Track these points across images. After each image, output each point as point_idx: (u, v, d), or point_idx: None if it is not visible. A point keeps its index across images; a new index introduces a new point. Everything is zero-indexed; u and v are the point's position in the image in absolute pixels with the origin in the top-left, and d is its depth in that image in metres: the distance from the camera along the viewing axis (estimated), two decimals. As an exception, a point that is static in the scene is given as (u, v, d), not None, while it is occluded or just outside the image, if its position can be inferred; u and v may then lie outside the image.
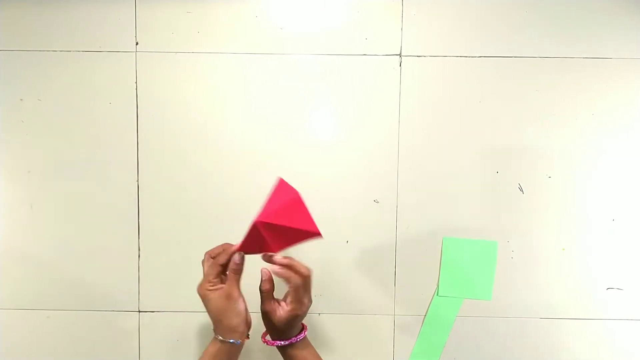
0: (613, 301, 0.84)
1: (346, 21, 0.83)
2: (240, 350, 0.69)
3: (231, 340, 0.66)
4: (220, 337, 0.66)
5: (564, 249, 0.84)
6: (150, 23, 0.83)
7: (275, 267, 0.67)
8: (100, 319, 0.85)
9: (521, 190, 0.84)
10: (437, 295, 0.84)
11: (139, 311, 0.85)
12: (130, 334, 0.85)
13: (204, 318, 0.82)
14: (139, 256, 0.84)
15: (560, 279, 0.84)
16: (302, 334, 0.70)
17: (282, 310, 0.68)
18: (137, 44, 0.83)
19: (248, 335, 0.69)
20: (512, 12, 0.83)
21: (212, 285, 0.67)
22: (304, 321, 0.72)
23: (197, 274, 0.84)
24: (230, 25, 0.83)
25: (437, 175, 0.84)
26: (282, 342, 0.69)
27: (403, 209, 0.84)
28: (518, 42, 0.83)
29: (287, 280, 0.67)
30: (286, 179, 0.84)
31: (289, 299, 0.67)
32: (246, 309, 0.68)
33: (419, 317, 0.85)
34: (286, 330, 0.69)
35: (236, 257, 0.67)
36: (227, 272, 0.67)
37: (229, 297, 0.66)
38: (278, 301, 0.69)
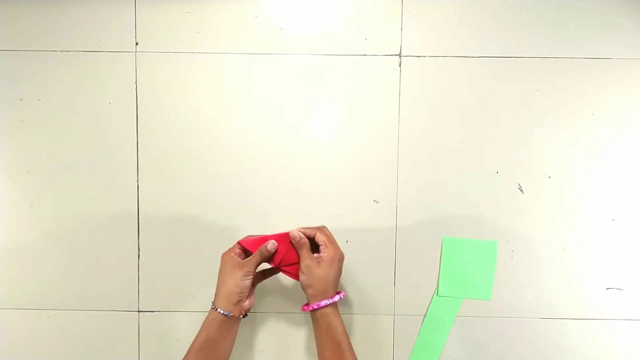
0: (613, 301, 0.84)
1: (346, 21, 0.83)
2: (235, 326, 0.73)
3: (223, 312, 0.70)
4: (214, 307, 0.71)
5: (564, 249, 0.84)
6: (150, 23, 0.83)
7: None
8: (100, 319, 0.85)
9: (521, 190, 0.84)
10: (437, 295, 0.84)
11: (139, 311, 0.85)
12: (130, 334, 0.85)
13: (204, 318, 0.82)
14: (139, 256, 0.84)
15: (560, 279, 0.84)
16: (338, 296, 0.72)
17: (318, 260, 0.72)
18: (137, 44, 0.83)
19: (245, 314, 0.73)
20: (512, 12, 0.83)
21: (236, 255, 0.72)
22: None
23: (197, 274, 0.85)
24: (230, 26, 0.83)
25: (437, 175, 0.84)
26: (318, 304, 0.71)
27: (403, 209, 0.84)
28: (518, 42, 0.83)
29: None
30: (286, 179, 0.84)
31: (320, 251, 0.73)
32: (250, 291, 0.73)
33: (419, 317, 0.85)
34: (324, 282, 0.71)
35: (270, 244, 0.72)
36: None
37: (241, 268, 0.71)
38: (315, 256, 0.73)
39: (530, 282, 0.84)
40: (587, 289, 0.84)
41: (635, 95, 0.83)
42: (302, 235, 0.73)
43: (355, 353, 0.83)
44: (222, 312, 0.70)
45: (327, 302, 0.71)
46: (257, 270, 0.74)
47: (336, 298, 0.72)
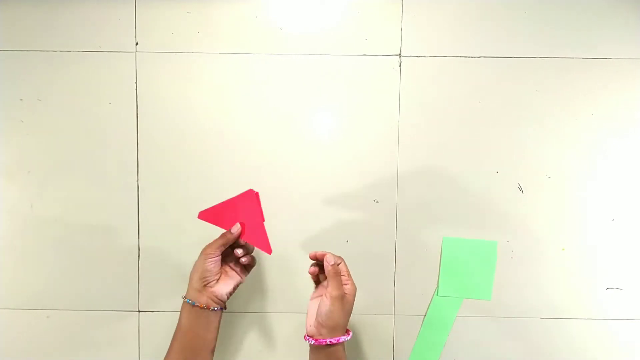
0: (613, 301, 0.84)
1: (346, 21, 0.83)
2: (210, 317, 0.69)
3: (188, 300, 0.68)
4: (183, 296, 0.70)
5: (564, 249, 0.84)
6: (150, 23, 0.83)
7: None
8: (100, 319, 0.85)
9: (521, 190, 0.84)
10: (437, 295, 0.84)
11: (139, 311, 0.85)
12: (130, 334, 0.85)
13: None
14: (139, 256, 0.84)
15: (560, 279, 0.84)
16: (346, 337, 0.68)
17: (325, 298, 0.68)
18: (137, 44, 0.83)
19: (218, 308, 0.70)
20: (512, 12, 0.83)
21: (211, 251, 0.70)
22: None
23: (197, 274, 0.84)
24: (230, 25, 0.83)
25: (437, 175, 0.84)
26: (340, 339, 0.67)
27: (403, 209, 0.84)
28: (518, 42, 0.83)
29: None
30: (286, 179, 0.84)
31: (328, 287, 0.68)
32: (217, 276, 0.70)
33: (419, 317, 0.85)
34: (347, 316, 0.68)
35: (234, 228, 0.72)
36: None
37: (203, 253, 0.70)
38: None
39: (530, 282, 0.84)
40: (587, 289, 0.84)
41: (635, 95, 0.83)
42: (337, 260, 0.69)
43: (356, 353, 0.83)
44: (187, 301, 0.68)
45: (345, 338, 0.67)
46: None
47: (350, 335, 0.68)
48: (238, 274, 0.73)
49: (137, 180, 0.84)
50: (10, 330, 0.85)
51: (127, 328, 0.85)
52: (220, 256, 0.70)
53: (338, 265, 0.69)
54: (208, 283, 0.69)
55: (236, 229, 0.71)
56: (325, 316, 0.67)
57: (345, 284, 0.69)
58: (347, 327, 0.69)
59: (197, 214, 0.84)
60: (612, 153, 0.83)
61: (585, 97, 0.83)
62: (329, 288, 0.67)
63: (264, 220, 0.72)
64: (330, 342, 0.66)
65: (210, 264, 0.69)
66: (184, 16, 0.83)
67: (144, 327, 0.85)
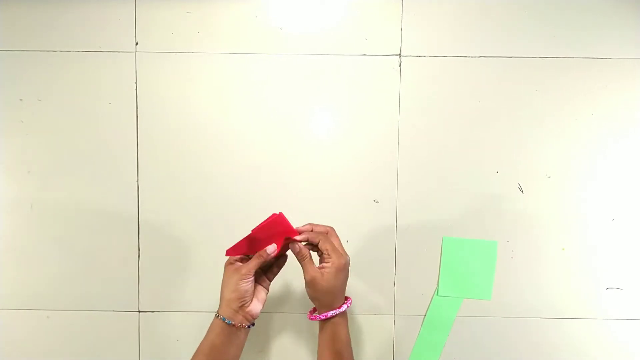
0: (613, 301, 0.84)
1: (346, 21, 0.83)
2: (240, 334, 0.69)
3: (224, 319, 0.67)
4: (216, 314, 0.68)
5: (564, 249, 0.84)
6: (150, 23, 0.83)
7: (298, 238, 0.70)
8: (100, 319, 0.85)
9: (521, 190, 0.84)
10: (437, 295, 0.85)
11: (139, 311, 0.85)
12: (130, 334, 0.85)
13: (204, 318, 0.83)
14: (139, 256, 0.84)
15: (560, 279, 0.84)
16: (345, 305, 0.71)
17: (322, 271, 0.69)
18: (137, 44, 0.83)
19: (251, 324, 0.70)
20: (512, 12, 0.83)
21: (237, 260, 0.70)
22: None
23: (197, 274, 0.85)
24: (230, 25, 0.83)
25: (437, 175, 0.84)
26: (326, 315, 0.70)
27: (403, 209, 0.84)
28: (518, 42, 0.83)
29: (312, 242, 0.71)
30: (286, 179, 0.84)
31: (324, 260, 0.70)
32: (255, 295, 0.70)
33: (419, 317, 0.85)
34: (332, 293, 0.70)
35: (270, 248, 0.69)
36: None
37: (237, 271, 0.68)
38: (318, 267, 0.70)
39: (530, 282, 0.84)
40: (587, 288, 0.84)
41: (635, 95, 0.83)
42: (301, 246, 0.70)
43: (356, 353, 0.83)
44: (223, 319, 0.67)
45: (334, 312, 0.70)
46: (266, 273, 0.73)
47: (343, 307, 0.71)
48: (265, 289, 0.73)
49: (137, 181, 0.84)
50: (10, 330, 0.85)
51: (127, 328, 0.85)
52: (254, 275, 0.70)
53: (300, 250, 0.70)
54: (245, 304, 0.68)
55: (272, 248, 0.69)
56: (309, 297, 0.71)
57: (326, 261, 0.69)
58: (346, 296, 0.72)
59: (196, 214, 0.84)
60: (612, 153, 0.83)
61: (585, 97, 0.83)
62: (330, 255, 0.69)
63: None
64: (319, 318, 0.71)
65: (246, 285, 0.68)
66: (184, 16, 0.83)
67: (144, 327, 0.85)
